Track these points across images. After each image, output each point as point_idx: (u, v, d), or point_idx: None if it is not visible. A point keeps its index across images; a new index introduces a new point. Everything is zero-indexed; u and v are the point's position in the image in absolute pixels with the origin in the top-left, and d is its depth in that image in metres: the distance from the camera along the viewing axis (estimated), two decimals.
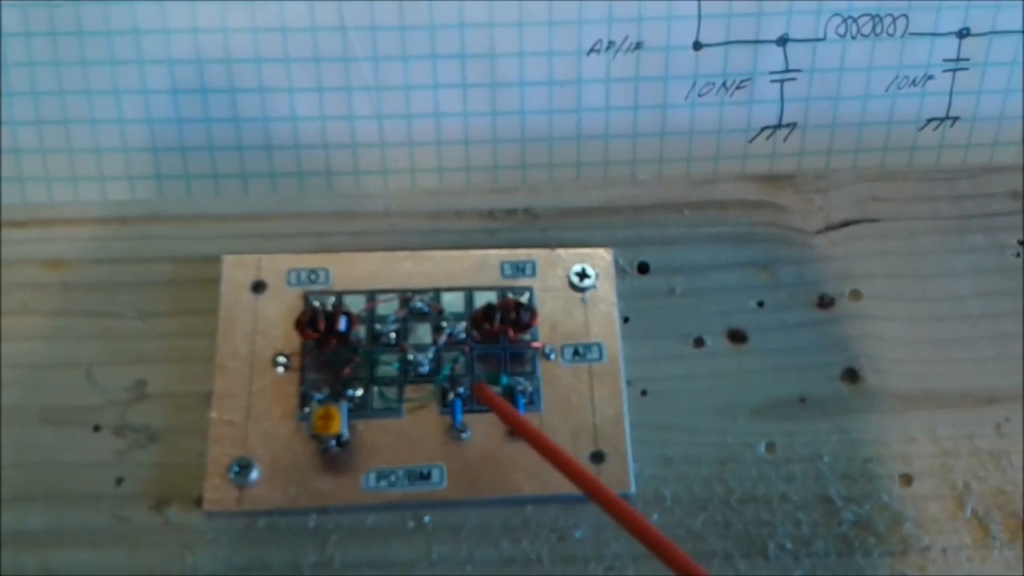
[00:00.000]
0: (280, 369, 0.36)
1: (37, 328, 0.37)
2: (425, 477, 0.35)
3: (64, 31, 0.39)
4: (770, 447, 0.36)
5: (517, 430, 0.33)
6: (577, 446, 0.35)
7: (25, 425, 0.35)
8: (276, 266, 0.38)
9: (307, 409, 0.35)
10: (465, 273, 0.38)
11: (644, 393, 0.37)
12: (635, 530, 0.28)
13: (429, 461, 0.35)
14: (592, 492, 0.29)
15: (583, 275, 0.38)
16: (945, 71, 0.42)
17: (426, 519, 0.35)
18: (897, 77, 0.42)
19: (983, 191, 0.42)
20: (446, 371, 0.36)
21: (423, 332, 0.37)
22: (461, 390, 0.36)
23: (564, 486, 0.34)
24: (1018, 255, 0.40)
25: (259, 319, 0.37)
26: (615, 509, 0.28)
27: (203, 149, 0.41)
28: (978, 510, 0.35)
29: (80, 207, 0.40)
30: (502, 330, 0.35)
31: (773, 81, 0.42)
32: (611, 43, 0.41)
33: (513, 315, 0.35)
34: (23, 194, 0.41)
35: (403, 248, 0.39)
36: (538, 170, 0.42)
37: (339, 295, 0.37)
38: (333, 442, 0.34)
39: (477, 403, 0.35)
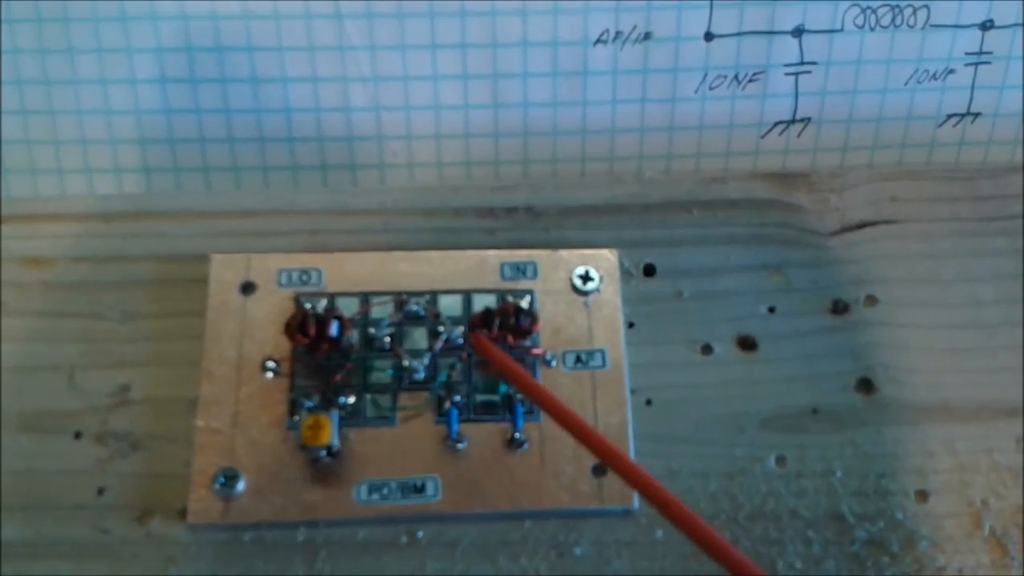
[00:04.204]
0: (269, 375, 0.35)
1: (16, 329, 0.36)
2: (419, 490, 0.34)
3: (50, 18, 0.38)
4: (780, 461, 0.35)
5: (519, 387, 0.32)
6: (578, 457, 0.34)
7: (3, 431, 0.35)
8: (266, 266, 0.36)
9: (297, 417, 0.34)
10: (463, 274, 0.37)
11: (649, 402, 0.36)
12: (649, 494, 0.28)
13: (423, 473, 0.34)
14: (600, 452, 0.29)
15: (586, 277, 0.37)
16: (967, 65, 0.41)
17: (420, 534, 0.34)
18: (917, 71, 0.41)
19: (1005, 192, 0.41)
20: (442, 378, 0.35)
21: (419, 337, 0.36)
22: (458, 398, 0.35)
23: (564, 501, 0.33)
24: None
25: (248, 322, 0.35)
26: (633, 476, 0.28)
27: (193, 141, 0.40)
28: (996, 528, 0.35)
29: (63, 202, 0.39)
30: (501, 336, 0.34)
31: (787, 74, 0.41)
32: (619, 33, 0.40)
33: (513, 321, 0.34)
34: (6, 188, 0.40)
35: (399, 248, 0.38)
36: (541, 166, 0.41)
37: (331, 297, 0.36)
38: (323, 452, 0.33)
39: (474, 353, 0.35)
